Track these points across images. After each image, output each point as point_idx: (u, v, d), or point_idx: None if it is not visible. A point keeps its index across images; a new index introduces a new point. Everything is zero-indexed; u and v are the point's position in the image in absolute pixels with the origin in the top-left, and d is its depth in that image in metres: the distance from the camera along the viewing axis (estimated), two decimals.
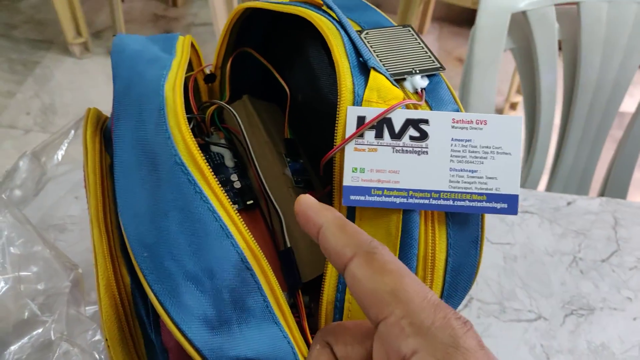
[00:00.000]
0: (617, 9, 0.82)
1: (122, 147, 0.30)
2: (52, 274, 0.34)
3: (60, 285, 0.34)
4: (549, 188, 0.98)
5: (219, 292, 0.28)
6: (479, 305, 0.64)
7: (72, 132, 0.44)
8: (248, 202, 0.40)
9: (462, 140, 0.31)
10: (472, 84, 0.86)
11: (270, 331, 0.31)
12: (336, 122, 0.31)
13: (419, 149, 0.31)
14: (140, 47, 0.36)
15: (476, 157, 0.31)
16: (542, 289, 0.65)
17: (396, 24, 0.38)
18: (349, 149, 0.31)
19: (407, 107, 0.32)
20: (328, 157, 0.31)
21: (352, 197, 0.31)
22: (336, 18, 0.35)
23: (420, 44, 0.36)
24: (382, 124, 0.31)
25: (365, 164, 0.31)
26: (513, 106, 1.87)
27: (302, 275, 0.36)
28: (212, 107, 0.42)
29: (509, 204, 0.31)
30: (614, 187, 0.95)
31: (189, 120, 0.42)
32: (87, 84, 1.90)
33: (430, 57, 0.35)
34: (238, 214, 0.29)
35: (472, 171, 0.31)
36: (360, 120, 0.30)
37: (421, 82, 0.34)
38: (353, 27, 0.37)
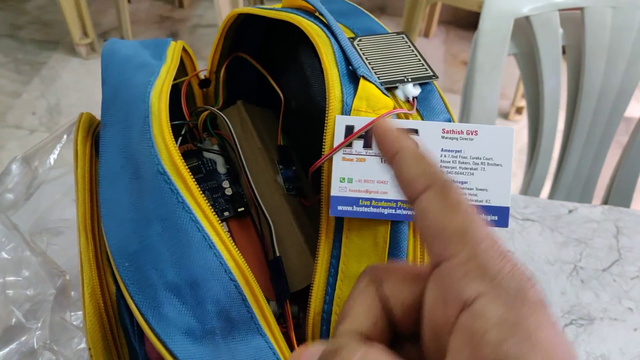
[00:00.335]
0: (622, 15, 0.81)
1: (108, 154, 0.30)
2: (38, 281, 0.34)
3: (46, 292, 0.33)
4: (551, 195, 0.97)
5: (202, 304, 0.28)
6: None
7: (65, 136, 0.44)
8: (239, 209, 0.40)
9: (452, 150, 0.30)
10: (474, 88, 0.85)
11: (256, 343, 0.30)
12: (324, 131, 0.30)
13: None
14: (131, 53, 0.36)
15: (466, 168, 0.30)
16: None
17: (390, 31, 0.38)
18: (337, 158, 0.30)
19: (398, 116, 0.32)
20: (316, 166, 0.31)
21: (339, 208, 0.30)
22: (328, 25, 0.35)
23: (413, 51, 0.36)
24: (370, 134, 0.30)
25: (353, 174, 0.30)
26: (519, 110, 1.85)
27: (290, 284, 0.36)
28: (205, 113, 0.42)
29: (500, 217, 0.30)
30: (618, 194, 0.94)
31: (181, 126, 0.42)
32: (93, 85, 1.90)
33: (423, 65, 0.35)
34: (222, 224, 0.29)
35: (462, 182, 0.30)
36: (349, 129, 0.30)
37: (413, 90, 0.33)
38: (346, 34, 0.37)
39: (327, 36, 0.33)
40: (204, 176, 0.42)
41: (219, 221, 0.29)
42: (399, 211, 0.30)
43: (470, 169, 0.30)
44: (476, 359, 0.18)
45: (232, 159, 0.43)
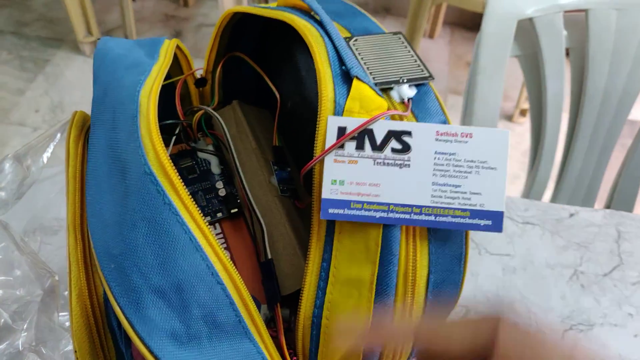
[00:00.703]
0: (627, 17, 0.81)
1: (96, 154, 0.29)
2: (26, 281, 0.33)
3: (33, 292, 0.33)
4: (554, 199, 0.97)
5: (188, 307, 0.27)
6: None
7: (59, 134, 0.43)
8: (232, 211, 0.40)
9: (445, 153, 0.29)
10: (476, 90, 0.85)
11: (244, 347, 0.30)
12: (316, 132, 0.30)
13: (401, 162, 0.30)
14: (124, 52, 0.35)
15: (460, 172, 0.29)
16: (541, 302, 0.64)
17: (387, 31, 0.37)
18: (329, 160, 0.30)
19: (393, 117, 0.31)
20: (307, 168, 0.30)
21: (330, 211, 0.30)
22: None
23: (410, 52, 0.35)
24: (363, 135, 0.30)
25: (345, 176, 0.30)
26: (523, 113, 1.84)
27: (282, 287, 0.35)
28: (199, 113, 0.42)
29: (494, 221, 0.29)
30: (621, 199, 0.93)
31: (174, 125, 0.41)
32: None
33: (419, 66, 0.34)
34: (210, 226, 0.28)
35: (456, 186, 0.29)
36: (341, 130, 0.29)
37: (408, 91, 0.33)
38: (342, 34, 0.36)
39: (321, 35, 0.33)
40: (198, 176, 0.42)
41: (207, 223, 0.28)
42: (390, 214, 0.30)
43: (464, 172, 0.29)
44: None
45: (227, 159, 0.42)
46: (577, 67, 0.87)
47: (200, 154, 0.43)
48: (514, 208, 0.71)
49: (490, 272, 0.66)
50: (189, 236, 0.27)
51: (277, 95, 0.43)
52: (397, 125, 0.30)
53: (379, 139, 0.30)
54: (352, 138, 0.30)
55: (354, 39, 0.35)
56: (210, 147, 0.43)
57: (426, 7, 1.60)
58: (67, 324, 0.35)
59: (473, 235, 0.69)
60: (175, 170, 0.27)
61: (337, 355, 0.32)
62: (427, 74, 0.33)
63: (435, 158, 0.30)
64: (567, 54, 0.86)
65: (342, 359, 0.33)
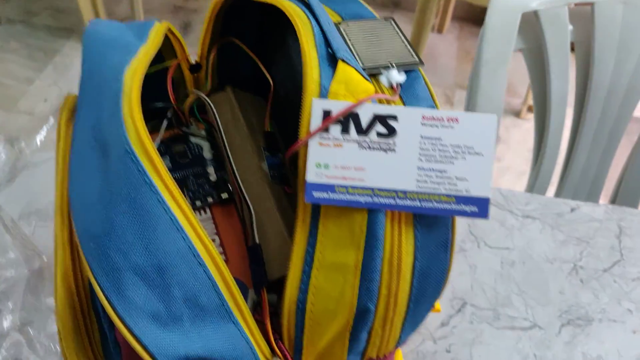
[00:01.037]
0: (633, 11, 0.80)
1: (80, 134, 0.29)
2: (15, 263, 0.34)
3: (21, 274, 0.33)
4: (558, 194, 0.96)
5: (169, 288, 0.27)
6: (472, 311, 0.62)
7: (52, 118, 0.43)
8: (222, 196, 0.39)
9: (431, 138, 0.29)
10: (480, 84, 0.84)
11: (227, 330, 0.30)
12: (301, 115, 0.30)
13: (387, 146, 0.29)
14: (114, 33, 0.35)
15: (446, 157, 0.29)
16: (539, 296, 0.63)
17: (379, 17, 0.37)
18: (314, 143, 0.29)
19: (380, 102, 0.31)
20: (292, 151, 0.30)
21: (315, 194, 0.29)
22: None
23: (400, 37, 0.35)
24: (348, 119, 0.29)
25: (329, 160, 0.29)
26: (531, 109, 1.83)
27: (270, 272, 0.35)
28: (191, 97, 0.41)
29: (480, 207, 0.29)
30: (625, 195, 0.92)
31: (165, 109, 0.41)
32: None
33: (409, 52, 0.34)
34: (190, 207, 0.28)
35: (441, 171, 0.29)
36: (326, 114, 0.29)
37: (397, 76, 0.32)
38: (332, 18, 0.36)
39: (309, 18, 0.33)
40: (190, 161, 0.42)
41: (189, 204, 0.28)
42: (375, 199, 0.29)
43: (450, 157, 0.29)
44: None
45: (219, 144, 0.42)
46: (582, 61, 0.86)
47: (193, 139, 0.43)
48: (515, 202, 0.71)
49: (488, 265, 0.65)
50: (170, 216, 0.27)
51: (271, 82, 0.42)
52: (383, 109, 0.29)
53: (364, 122, 0.29)
54: (338, 121, 0.29)
55: (345, 23, 0.35)
56: (203, 133, 0.42)
57: (434, 1, 1.59)
58: (52, 304, 0.35)
59: (472, 228, 0.68)
60: (157, 150, 0.27)
61: (323, 341, 0.32)
62: (417, 60, 0.33)
63: (421, 143, 0.29)
64: (572, 48, 0.85)
65: (328, 344, 0.32)
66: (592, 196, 0.95)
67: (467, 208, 0.29)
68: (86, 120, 0.30)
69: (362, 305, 0.31)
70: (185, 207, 0.28)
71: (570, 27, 0.82)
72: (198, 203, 0.40)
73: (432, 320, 0.61)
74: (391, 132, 0.29)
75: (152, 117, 0.43)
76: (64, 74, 1.91)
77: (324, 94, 0.30)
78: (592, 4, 0.80)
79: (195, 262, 0.28)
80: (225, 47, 0.46)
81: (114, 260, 0.26)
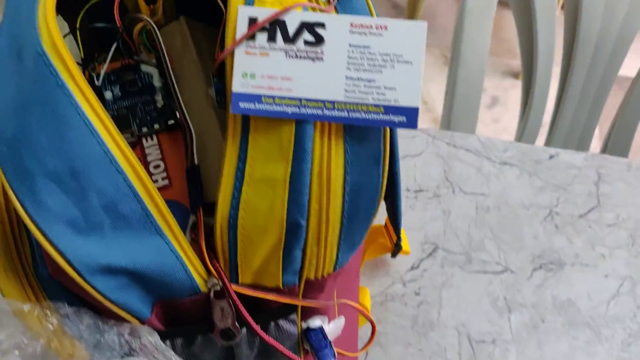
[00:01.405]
0: None
1: (0, 42, 0.29)
2: None
3: None
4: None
5: (86, 194, 0.27)
6: (443, 255, 0.62)
7: None
8: (169, 122, 0.39)
9: (360, 46, 0.28)
10: (464, 33, 0.82)
11: (153, 243, 0.30)
12: (226, 23, 0.29)
13: (314, 55, 0.28)
14: None
15: (374, 65, 0.28)
16: (512, 241, 0.63)
17: None
18: (239, 52, 0.29)
19: (313, 10, 0.30)
20: (218, 61, 0.29)
21: (241, 105, 0.29)
22: None
23: None
24: (275, 27, 0.28)
25: (256, 70, 0.29)
26: None
27: (209, 195, 0.35)
28: (139, 25, 0.41)
29: (408, 117, 0.28)
30: (616, 147, 0.91)
31: (114, 32, 0.40)
32: None
33: None
34: (107, 113, 0.27)
35: (370, 80, 0.28)
36: (252, 21, 0.28)
37: None
38: None
39: None
40: (140, 89, 0.41)
41: (106, 112, 0.28)
42: (303, 110, 0.29)
43: (379, 66, 0.28)
44: None
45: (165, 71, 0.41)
46: (571, 11, 0.84)
47: (144, 68, 0.42)
48: (492, 148, 0.70)
49: (462, 211, 0.65)
50: (83, 120, 0.26)
51: (223, 8, 0.42)
52: (310, 17, 0.29)
53: (291, 30, 0.28)
54: (264, 29, 0.28)
55: None
56: (153, 61, 0.42)
57: None
58: None
59: (448, 174, 0.67)
60: (70, 54, 0.26)
61: (257, 259, 0.32)
62: None
63: (349, 51, 0.28)
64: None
65: (263, 262, 0.32)
66: (581, 148, 0.93)
67: (396, 118, 0.28)
68: (6, 26, 0.29)
69: (292, 220, 0.30)
70: (102, 113, 0.27)
71: None
72: (144, 130, 0.39)
73: (401, 263, 0.60)
74: (319, 40, 0.28)
75: (105, 49, 0.42)
76: None
77: (249, 2, 0.29)
78: None
79: (113, 168, 0.27)
80: None
81: (27, 164, 0.26)
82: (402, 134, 0.70)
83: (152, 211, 0.29)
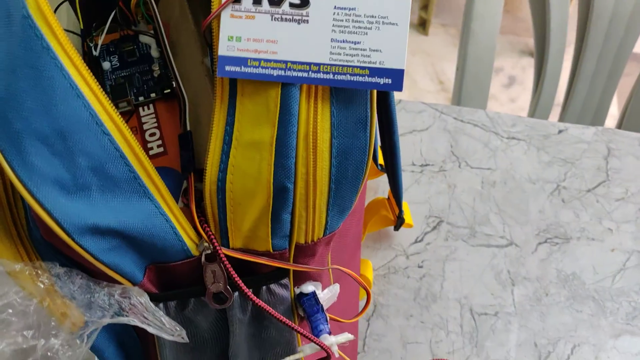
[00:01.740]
0: None
1: None
2: None
3: None
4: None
5: (73, 156, 0.27)
6: (448, 229, 0.61)
7: None
8: (165, 91, 0.39)
9: (345, 8, 0.28)
10: (474, 7, 0.81)
11: (141, 205, 0.30)
12: None
13: (299, 18, 0.28)
14: None
15: (360, 27, 0.28)
16: (518, 215, 0.62)
17: None
18: (225, 15, 0.29)
19: None
20: (205, 25, 0.29)
21: (227, 68, 0.29)
22: None
23: None
24: None
25: (241, 33, 0.29)
26: None
27: (199, 162, 0.35)
28: None
29: (394, 80, 0.28)
30: (630, 123, 0.89)
31: (112, 3, 0.41)
32: None
33: None
34: (92, 76, 0.28)
35: (355, 42, 0.28)
36: None
37: None
38: None
39: None
40: (137, 59, 0.42)
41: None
42: (288, 72, 0.29)
43: (365, 28, 0.28)
44: None
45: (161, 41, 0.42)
46: None
47: (142, 38, 0.42)
48: (500, 123, 0.69)
49: (468, 185, 0.64)
50: (69, 82, 0.27)
51: None
52: None
53: None
54: None
55: None
56: (151, 32, 0.42)
57: None
58: None
59: (454, 149, 0.67)
60: (55, 17, 0.27)
61: (246, 222, 0.32)
62: None
63: (334, 13, 0.28)
64: None
65: (252, 226, 0.32)
66: (596, 124, 0.92)
67: (381, 80, 0.28)
68: None
69: (279, 183, 0.30)
70: (87, 76, 0.27)
71: None
72: (141, 99, 0.40)
73: (405, 236, 0.60)
74: (304, 3, 0.28)
75: (104, 21, 0.43)
76: None
77: None
78: None
79: (99, 130, 0.28)
80: None
81: (15, 125, 0.26)
82: (408, 108, 0.70)
83: (140, 174, 0.29)
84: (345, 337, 0.38)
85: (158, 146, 0.38)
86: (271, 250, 0.34)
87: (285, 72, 0.29)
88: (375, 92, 0.30)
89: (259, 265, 0.35)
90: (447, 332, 0.55)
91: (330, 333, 0.37)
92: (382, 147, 0.45)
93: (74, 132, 0.27)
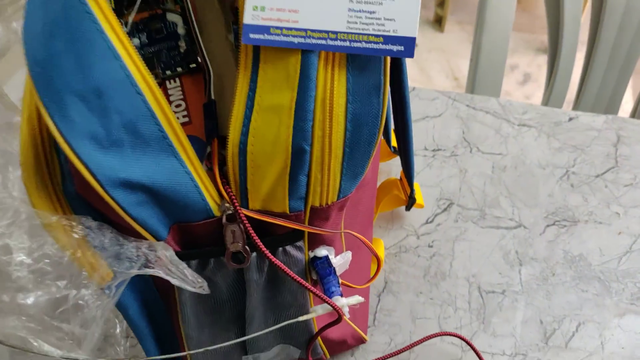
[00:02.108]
0: None
1: None
2: None
3: None
4: None
5: (108, 113, 0.30)
6: (458, 210, 0.63)
7: None
8: (191, 66, 0.42)
9: None
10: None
11: (169, 163, 0.32)
12: None
13: None
14: None
15: None
16: (527, 199, 0.64)
17: None
18: None
19: None
20: None
21: (251, 36, 0.31)
22: None
23: None
24: None
25: (265, 3, 0.31)
26: None
27: (222, 130, 0.37)
28: None
29: (406, 47, 0.30)
30: None
31: None
32: None
33: None
34: (130, 40, 0.30)
35: (371, 12, 0.30)
36: None
37: None
38: None
39: None
40: (165, 36, 0.44)
41: (127, 36, 0.30)
42: (308, 40, 0.31)
43: None
44: None
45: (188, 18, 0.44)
46: None
47: (169, 17, 0.44)
48: (512, 110, 0.71)
49: (479, 170, 0.66)
50: (108, 45, 0.29)
51: None
52: None
53: None
54: None
55: None
56: (178, 10, 0.44)
57: None
58: None
59: (466, 135, 0.69)
60: None
61: (265, 184, 0.34)
62: None
63: None
64: None
65: (270, 188, 0.34)
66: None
67: (394, 47, 0.30)
68: None
69: (297, 145, 0.32)
70: (126, 41, 0.30)
71: None
72: (168, 73, 0.42)
73: (416, 217, 0.62)
74: None
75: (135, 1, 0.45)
76: None
77: None
78: None
79: (133, 90, 0.30)
80: None
81: (56, 83, 0.29)
82: (422, 95, 0.72)
83: (169, 134, 0.32)
84: (356, 299, 0.40)
85: (183, 116, 0.40)
86: (288, 212, 0.36)
87: (305, 40, 0.31)
88: (388, 59, 0.32)
89: (275, 227, 0.37)
90: (455, 309, 0.57)
91: (342, 295, 0.39)
92: (394, 125, 0.47)
93: (110, 91, 0.29)
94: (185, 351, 0.43)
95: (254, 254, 0.38)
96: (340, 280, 0.40)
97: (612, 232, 0.61)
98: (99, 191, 0.30)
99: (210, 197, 0.35)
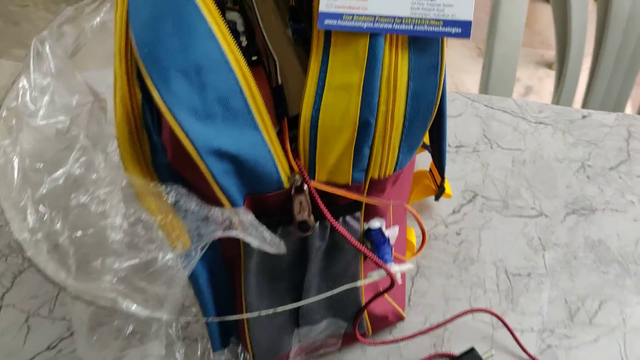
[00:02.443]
0: None
1: None
2: (78, 92, 0.41)
3: (84, 100, 0.40)
4: None
5: (205, 88, 0.34)
6: (482, 201, 0.67)
7: None
8: (252, 58, 0.46)
9: None
10: (500, 7, 0.88)
11: (252, 135, 0.36)
12: None
13: None
14: None
15: None
16: (547, 190, 0.68)
17: None
18: None
19: None
20: None
21: (326, 22, 0.35)
22: None
23: None
24: None
25: None
26: None
27: (291, 109, 0.41)
28: None
29: (463, 29, 0.35)
30: None
31: None
32: None
33: None
34: (225, 23, 0.34)
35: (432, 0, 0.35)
36: None
37: None
38: None
39: None
40: None
41: (224, 20, 0.34)
42: (376, 25, 0.35)
43: None
44: None
45: (250, 18, 0.48)
46: None
47: (228, 16, 0.49)
48: (529, 110, 0.75)
49: (500, 164, 0.70)
50: (207, 27, 0.33)
51: None
52: None
53: None
54: None
55: None
56: (237, 9, 0.49)
57: None
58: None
59: (486, 132, 0.73)
60: None
61: (332, 156, 0.38)
62: None
63: None
64: None
65: (337, 160, 0.38)
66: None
67: (452, 30, 0.35)
68: None
69: (363, 119, 0.36)
70: (222, 25, 0.34)
71: None
72: None
73: (444, 207, 0.66)
74: None
75: None
76: None
77: None
78: None
79: (227, 68, 0.34)
80: None
81: (162, 60, 0.33)
82: None
83: (253, 109, 0.36)
84: (407, 266, 0.43)
85: None
86: (350, 183, 0.40)
87: (373, 25, 0.35)
88: (445, 40, 0.36)
89: (337, 198, 0.41)
90: (484, 290, 0.61)
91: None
92: None
93: (208, 68, 0.34)
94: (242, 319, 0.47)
95: (317, 223, 0.41)
96: (392, 248, 0.44)
97: (628, 219, 0.65)
98: (194, 157, 0.34)
99: (282, 169, 0.39)
